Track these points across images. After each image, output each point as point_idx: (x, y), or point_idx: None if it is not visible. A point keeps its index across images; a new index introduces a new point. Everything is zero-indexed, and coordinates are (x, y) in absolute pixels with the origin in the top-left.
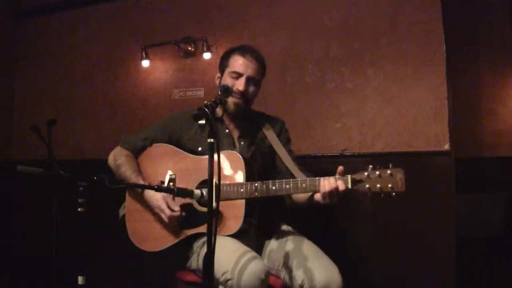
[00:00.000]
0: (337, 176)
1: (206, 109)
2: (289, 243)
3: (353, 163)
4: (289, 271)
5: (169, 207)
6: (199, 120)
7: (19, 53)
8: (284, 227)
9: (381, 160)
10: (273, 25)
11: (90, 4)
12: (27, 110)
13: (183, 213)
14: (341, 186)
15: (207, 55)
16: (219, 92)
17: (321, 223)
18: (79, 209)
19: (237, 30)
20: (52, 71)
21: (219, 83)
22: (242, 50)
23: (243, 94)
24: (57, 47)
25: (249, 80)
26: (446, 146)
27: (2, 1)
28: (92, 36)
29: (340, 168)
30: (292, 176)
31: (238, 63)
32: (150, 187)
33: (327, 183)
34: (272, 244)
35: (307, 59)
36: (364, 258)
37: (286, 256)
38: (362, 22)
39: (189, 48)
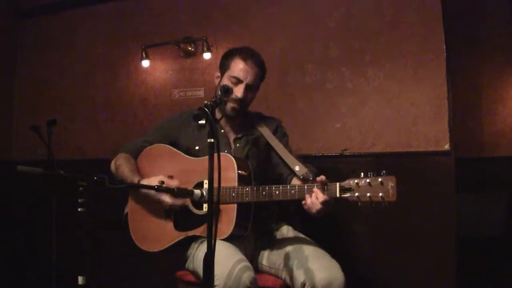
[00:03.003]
0: (320, 184)
1: (206, 109)
2: (290, 243)
3: (353, 163)
4: (290, 271)
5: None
6: (199, 120)
7: (19, 53)
8: (285, 227)
9: (381, 160)
10: (273, 25)
11: (90, 4)
12: (27, 110)
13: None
14: (328, 194)
15: (207, 55)
16: (219, 92)
17: (322, 223)
18: (79, 209)
19: (237, 30)
20: (52, 71)
21: (218, 83)
22: (244, 54)
23: (241, 101)
24: (57, 47)
25: (248, 87)
26: (446, 146)
27: (2, 1)
28: (92, 36)
29: (322, 177)
30: (287, 169)
31: (239, 67)
32: (150, 187)
33: (313, 193)
34: (272, 245)
35: (307, 59)
36: (365, 257)
37: (287, 256)
38: (362, 22)
39: (189, 48)
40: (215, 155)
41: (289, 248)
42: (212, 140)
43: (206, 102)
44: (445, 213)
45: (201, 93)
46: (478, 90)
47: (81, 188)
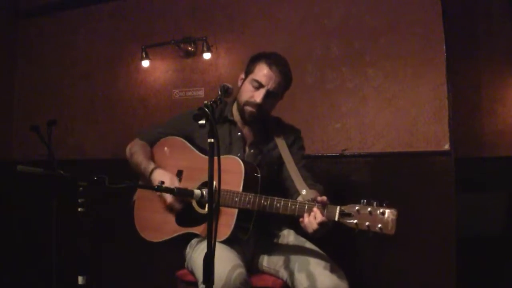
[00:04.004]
0: (320, 204)
1: (206, 109)
2: (292, 246)
3: (353, 163)
4: (291, 273)
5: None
6: (199, 120)
7: (19, 53)
8: (286, 231)
9: (381, 160)
10: (273, 25)
11: (90, 4)
12: (27, 110)
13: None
14: (327, 217)
15: (207, 55)
16: (219, 92)
17: (323, 235)
18: (79, 209)
19: (237, 30)
20: (52, 71)
21: (241, 85)
22: (270, 59)
23: (260, 106)
24: (57, 47)
25: (269, 93)
26: (446, 146)
27: (2, 1)
28: (92, 36)
29: (323, 198)
30: (294, 186)
31: (262, 72)
32: (150, 187)
33: (312, 212)
34: (274, 247)
35: (307, 59)
36: (364, 257)
37: (288, 259)
38: (362, 22)
39: (189, 48)
40: (215, 156)
41: (290, 251)
42: (212, 140)
43: (206, 102)
44: (445, 213)
45: (201, 93)
46: (478, 90)
47: (81, 188)
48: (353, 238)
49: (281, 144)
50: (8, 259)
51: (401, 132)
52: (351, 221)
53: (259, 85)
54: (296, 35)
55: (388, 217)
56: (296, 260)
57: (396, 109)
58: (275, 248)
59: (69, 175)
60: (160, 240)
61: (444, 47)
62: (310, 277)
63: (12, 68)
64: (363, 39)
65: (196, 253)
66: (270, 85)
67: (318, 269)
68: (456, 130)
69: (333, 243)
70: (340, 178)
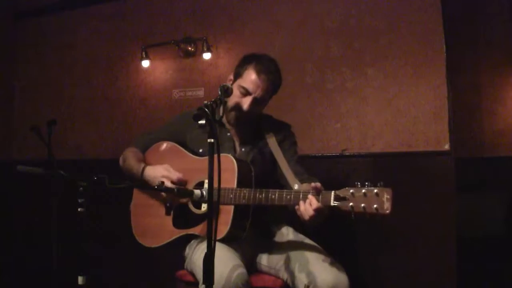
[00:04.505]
0: (315, 191)
1: (206, 109)
2: (291, 244)
3: (353, 163)
4: (291, 272)
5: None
6: (199, 120)
7: (19, 53)
8: (285, 228)
9: (381, 160)
10: (273, 25)
11: (90, 4)
12: (27, 110)
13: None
14: (322, 202)
15: (207, 55)
16: (219, 92)
17: (321, 224)
18: (79, 209)
19: (237, 30)
20: (52, 71)
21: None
22: (259, 66)
23: (246, 113)
24: (57, 47)
25: (256, 100)
26: (446, 146)
27: (2, 1)
28: (92, 36)
29: (317, 184)
30: (288, 183)
31: (250, 78)
32: (150, 187)
33: (307, 199)
34: (273, 246)
35: (307, 59)
36: (364, 257)
37: (288, 258)
38: (362, 22)
39: (189, 48)
40: (216, 155)
41: (290, 249)
42: (212, 140)
43: (206, 102)
44: (445, 213)
45: (201, 93)
46: (478, 90)
47: (81, 188)
48: (353, 237)
49: (272, 142)
50: (8, 259)
51: (401, 132)
52: (347, 204)
53: (247, 92)
54: (296, 35)
55: (383, 196)
56: (296, 259)
57: (396, 109)
58: (274, 246)
59: (69, 175)
60: (159, 245)
61: (444, 47)
62: (310, 274)
63: (12, 68)
64: (363, 39)
65: (196, 255)
66: (258, 93)
67: (318, 265)
68: (456, 130)
69: (333, 241)
70: (340, 178)
